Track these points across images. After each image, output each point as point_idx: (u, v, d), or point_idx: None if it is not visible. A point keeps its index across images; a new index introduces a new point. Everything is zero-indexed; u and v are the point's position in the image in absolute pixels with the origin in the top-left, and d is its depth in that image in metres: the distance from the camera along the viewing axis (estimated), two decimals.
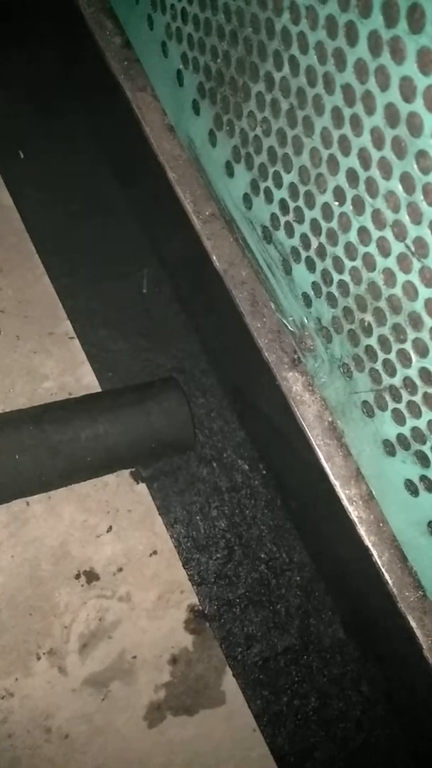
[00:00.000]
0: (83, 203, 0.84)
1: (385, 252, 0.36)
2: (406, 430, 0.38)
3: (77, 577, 0.74)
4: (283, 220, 0.42)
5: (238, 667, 0.74)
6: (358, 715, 0.73)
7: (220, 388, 0.81)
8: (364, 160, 0.35)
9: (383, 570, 0.42)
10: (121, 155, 0.64)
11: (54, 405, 0.77)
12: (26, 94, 0.86)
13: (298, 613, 0.75)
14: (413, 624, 0.41)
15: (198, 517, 0.78)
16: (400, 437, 0.39)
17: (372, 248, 0.36)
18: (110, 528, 0.77)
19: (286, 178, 0.40)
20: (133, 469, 0.79)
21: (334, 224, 0.38)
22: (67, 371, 0.82)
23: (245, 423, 0.78)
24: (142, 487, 0.79)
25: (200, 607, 0.75)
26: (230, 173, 0.44)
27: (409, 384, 0.37)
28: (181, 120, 0.46)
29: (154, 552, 0.76)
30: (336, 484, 0.44)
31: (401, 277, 0.36)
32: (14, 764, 0.68)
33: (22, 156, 0.87)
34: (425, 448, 0.37)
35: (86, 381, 0.82)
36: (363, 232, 0.37)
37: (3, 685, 0.69)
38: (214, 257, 0.46)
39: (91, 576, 0.75)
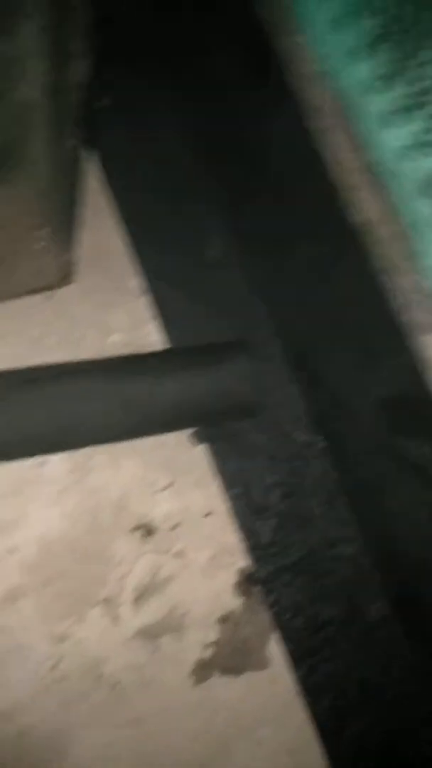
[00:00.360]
0: (166, 163, 0.85)
1: None
2: None
3: (135, 530, 0.75)
4: None
5: (283, 634, 0.75)
6: (397, 691, 0.75)
7: (284, 357, 0.82)
8: None
9: None
10: (249, 116, 0.65)
11: (128, 358, 0.77)
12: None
13: (345, 586, 0.77)
14: None
15: (253, 484, 0.79)
16: None
17: None
18: (168, 485, 0.77)
19: None
20: (193, 430, 0.80)
21: None
22: (135, 327, 0.82)
23: (307, 394, 0.80)
24: (201, 449, 0.79)
25: (250, 572, 0.76)
26: (389, 123, 0.45)
27: None
28: (338, 67, 0.47)
29: (209, 513, 0.77)
30: None
31: None
32: (65, 707, 0.67)
33: (106, 103, 0.86)
34: None
35: (152, 338, 0.82)
36: None
37: (58, 629, 0.69)
38: (359, 212, 0.47)
39: (148, 530, 0.75)
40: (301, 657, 0.75)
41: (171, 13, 0.73)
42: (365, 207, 0.47)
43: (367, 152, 0.46)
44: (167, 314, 0.83)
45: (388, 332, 0.50)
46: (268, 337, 0.83)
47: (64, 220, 0.69)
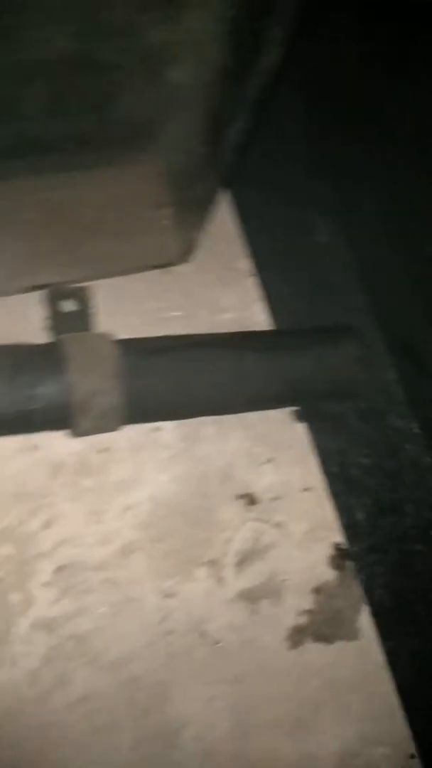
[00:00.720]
0: (279, 154, 0.88)
1: None
2: None
3: (239, 498, 0.78)
4: None
5: (374, 608, 0.79)
6: None
7: (384, 345, 0.85)
8: None
9: None
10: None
11: (245, 334, 0.80)
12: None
13: None
14: None
15: (350, 464, 0.83)
16: None
17: None
18: (270, 459, 0.81)
19: None
20: (297, 408, 0.83)
21: None
22: (244, 306, 0.86)
23: (405, 382, 0.83)
24: (302, 427, 0.83)
25: (345, 547, 0.80)
26: None
27: None
28: None
29: (308, 488, 0.81)
30: None
31: None
32: (171, 660, 0.71)
33: None
34: None
35: (259, 318, 0.86)
36: None
37: (167, 585, 0.73)
38: None
39: (251, 500, 0.78)
40: (389, 631, 0.78)
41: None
42: None
43: None
44: (274, 296, 0.86)
45: None
46: (370, 323, 0.86)
47: (198, 200, 0.73)
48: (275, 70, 0.53)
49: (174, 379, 0.70)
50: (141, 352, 0.70)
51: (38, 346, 0.65)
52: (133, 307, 0.80)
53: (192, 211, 0.75)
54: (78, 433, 0.66)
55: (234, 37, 0.54)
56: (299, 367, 0.76)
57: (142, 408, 0.70)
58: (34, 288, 0.75)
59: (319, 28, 0.79)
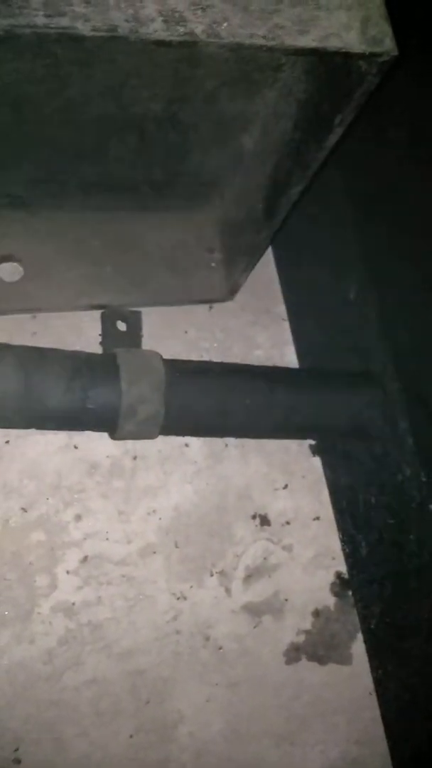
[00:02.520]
0: (325, 215, 0.99)
1: None
2: None
3: (253, 517, 0.85)
4: None
5: (368, 637, 0.84)
6: None
7: (400, 395, 0.93)
8: None
9: None
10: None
11: (280, 369, 0.89)
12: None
13: (429, 609, 0.85)
14: None
15: (359, 501, 0.89)
16: None
17: None
18: (286, 486, 0.87)
19: None
20: (314, 442, 0.91)
21: None
22: (275, 346, 0.95)
23: (416, 432, 0.90)
24: (317, 460, 0.90)
25: (346, 577, 0.85)
26: None
27: None
28: None
29: (317, 518, 0.87)
30: None
31: None
32: (176, 658, 0.77)
33: None
34: None
35: (288, 358, 0.95)
36: None
37: (180, 588, 0.79)
38: None
39: (264, 521, 0.85)
40: (380, 661, 0.83)
41: None
42: None
43: None
44: (303, 340, 0.95)
45: None
46: (390, 375, 0.94)
47: (248, 248, 0.82)
48: (334, 149, 0.63)
49: (210, 399, 0.78)
50: (184, 371, 0.78)
51: (96, 355, 0.74)
52: (177, 334, 0.89)
53: (240, 258, 0.85)
54: (120, 435, 0.74)
55: (303, 117, 0.65)
56: (321, 405, 0.84)
57: (179, 421, 0.78)
58: (93, 307, 0.85)
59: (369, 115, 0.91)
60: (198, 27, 0.49)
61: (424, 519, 0.90)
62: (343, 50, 0.51)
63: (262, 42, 0.50)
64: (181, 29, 0.48)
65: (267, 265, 0.98)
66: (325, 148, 0.62)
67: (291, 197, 0.70)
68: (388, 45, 0.53)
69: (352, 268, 1.00)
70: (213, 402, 0.78)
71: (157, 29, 0.47)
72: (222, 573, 0.81)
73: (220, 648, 0.78)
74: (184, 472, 0.84)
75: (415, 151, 0.88)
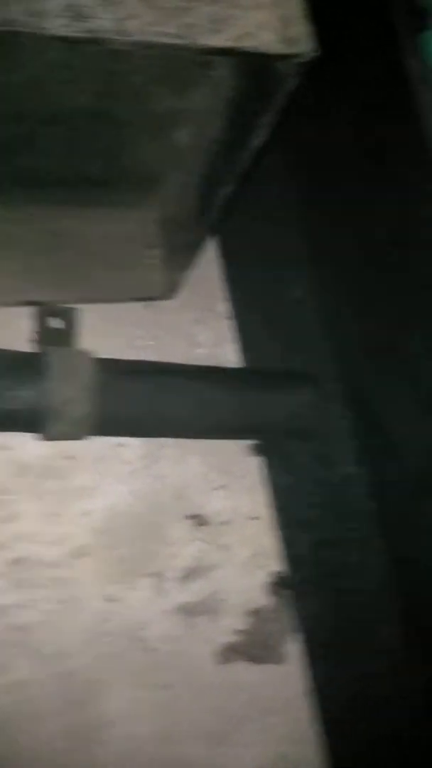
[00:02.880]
0: (272, 211, 0.98)
1: None
2: None
3: (189, 518, 0.84)
4: None
5: (303, 636, 0.84)
6: (397, 710, 0.83)
7: (342, 395, 0.93)
8: None
9: None
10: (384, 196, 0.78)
11: (217, 369, 0.88)
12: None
13: (365, 607, 0.86)
14: None
15: (298, 500, 0.89)
16: None
17: None
18: (223, 486, 0.87)
19: None
20: (253, 443, 0.90)
21: None
22: (218, 345, 0.94)
23: (358, 432, 0.90)
24: (257, 460, 0.90)
25: (283, 576, 0.85)
26: None
27: None
28: None
29: (255, 517, 0.87)
30: None
31: None
32: (106, 660, 0.76)
33: None
34: None
35: (230, 357, 0.94)
36: None
37: (112, 590, 0.78)
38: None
39: (201, 521, 0.84)
40: (315, 661, 0.83)
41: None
42: None
43: None
44: (246, 339, 0.95)
45: None
46: (330, 377, 0.94)
47: (186, 245, 0.81)
48: (263, 150, 0.62)
49: (143, 399, 0.77)
50: (116, 371, 0.77)
51: (24, 353, 0.73)
52: (114, 332, 0.87)
53: (179, 255, 0.84)
54: (49, 436, 0.73)
55: (230, 116, 0.64)
56: (259, 405, 0.84)
57: (111, 422, 0.77)
58: (27, 303, 0.83)
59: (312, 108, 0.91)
60: (105, 23, 0.47)
61: (363, 519, 0.91)
62: (258, 51, 0.50)
63: (172, 41, 0.49)
64: (86, 25, 0.47)
65: (211, 263, 0.97)
66: (251, 149, 0.61)
67: (222, 198, 0.69)
68: (306, 45, 0.52)
69: (298, 266, 1.00)
70: (146, 402, 0.78)
71: (59, 25, 0.46)
72: (156, 574, 0.80)
73: (153, 649, 0.78)
74: (119, 473, 0.83)
75: (359, 149, 0.87)
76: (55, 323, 0.81)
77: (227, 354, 0.93)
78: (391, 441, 0.84)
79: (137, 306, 0.90)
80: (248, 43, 0.50)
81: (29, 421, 0.71)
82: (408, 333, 0.76)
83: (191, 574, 0.82)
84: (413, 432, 0.79)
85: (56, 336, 0.81)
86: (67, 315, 0.82)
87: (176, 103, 0.71)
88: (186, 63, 0.63)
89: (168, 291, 0.90)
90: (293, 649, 0.83)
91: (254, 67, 0.55)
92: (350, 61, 0.74)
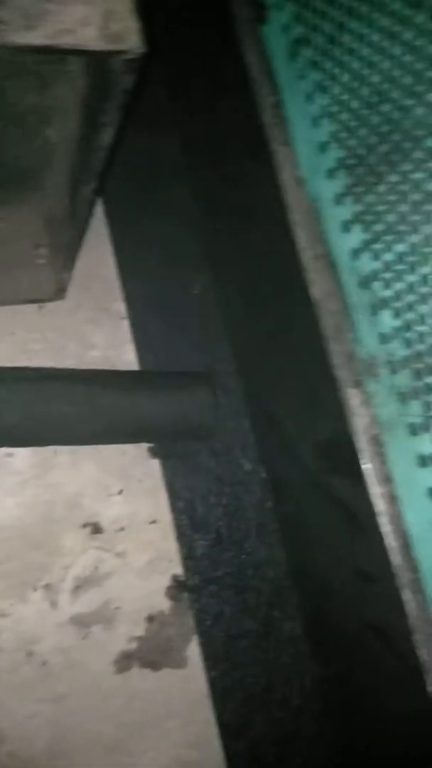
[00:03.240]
0: (169, 210, 0.95)
1: None
2: None
3: (84, 526, 0.82)
4: (382, 275, 0.54)
5: (203, 638, 0.83)
6: (297, 704, 0.83)
7: (240, 392, 0.92)
8: None
9: (390, 553, 0.53)
10: (241, 188, 0.76)
11: (104, 372, 0.86)
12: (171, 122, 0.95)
13: (265, 603, 0.86)
14: (404, 598, 0.52)
15: (198, 501, 0.88)
16: None
17: None
18: (121, 491, 0.85)
19: (396, 247, 0.53)
20: (152, 445, 0.89)
21: (428, 289, 0.50)
22: (113, 346, 0.92)
23: (256, 428, 0.90)
24: (156, 462, 0.88)
25: (182, 579, 0.85)
26: (347, 230, 0.56)
27: None
28: (313, 178, 0.58)
29: (154, 521, 0.86)
30: (368, 482, 0.55)
31: None
32: (2, 677, 0.74)
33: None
34: None
35: (127, 358, 0.92)
36: None
37: (1, 605, 0.76)
38: (313, 288, 0.57)
39: (96, 529, 0.83)
40: (215, 662, 0.83)
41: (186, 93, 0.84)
42: (317, 286, 0.57)
43: (324, 246, 0.57)
44: (144, 339, 0.92)
45: (326, 385, 0.60)
46: (230, 374, 0.93)
47: (66, 244, 0.79)
48: (110, 148, 0.60)
49: (25, 408, 0.75)
50: None
51: None
52: (2, 337, 0.84)
53: (62, 254, 0.81)
54: None
55: (84, 113, 0.61)
56: (151, 408, 0.82)
57: None
58: None
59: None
60: None
61: (262, 515, 0.90)
62: (78, 48, 0.48)
63: None
64: None
65: (106, 261, 0.94)
66: (101, 148, 0.58)
67: (86, 196, 0.66)
68: (132, 42, 0.49)
69: (195, 262, 0.98)
70: (28, 411, 0.75)
71: None
72: (48, 586, 0.78)
73: (45, 663, 0.76)
74: (8, 484, 0.80)
75: (248, 148, 0.85)
76: None
77: (123, 355, 0.91)
78: (285, 436, 0.84)
79: (28, 309, 0.87)
80: (67, 41, 0.47)
81: None
82: (291, 331, 0.75)
83: (85, 583, 0.80)
84: (302, 427, 0.78)
85: None
86: None
87: (40, 100, 0.67)
88: (41, 59, 0.60)
89: (56, 292, 0.87)
90: (193, 652, 0.82)
91: (92, 65, 0.53)
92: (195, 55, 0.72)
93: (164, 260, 0.95)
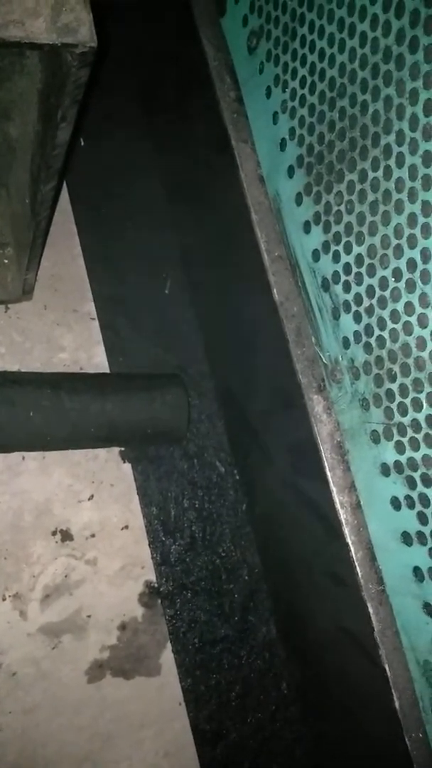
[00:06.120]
0: (138, 209, 0.93)
1: (422, 324, 0.47)
2: (403, 459, 0.49)
3: (53, 534, 0.81)
4: (343, 278, 0.52)
5: (177, 645, 0.82)
6: (273, 710, 0.82)
7: (214, 393, 0.90)
8: (425, 256, 0.46)
9: (356, 564, 0.52)
10: (205, 186, 0.74)
11: (72, 375, 0.84)
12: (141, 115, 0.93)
13: (240, 608, 0.85)
14: (371, 611, 0.51)
15: (171, 504, 0.87)
16: (397, 463, 0.50)
17: (413, 318, 0.47)
18: (92, 497, 0.84)
19: (356, 249, 0.51)
20: (123, 449, 0.87)
21: (387, 293, 0.49)
22: (82, 348, 0.89)
23: (230, 430, 0.88)
24: (127, 467, 0.86)
25: (156, 585, 0.83)
26: (307, 230, 0.54)
27: (415, 425, 0.48)
28: (274, 176, 0.57)
29: (126, 527, 0.84)
30: (333, 490, 0.54)
31: (430, 346, 0.47)
32: None
33: (82, 143, 0.94)
34: (415, 475, 0.48)
35: (97, 360, 0.90)
36: (409, 305, 0.48)
37: None
38: (275, 290, 0.56)
39: (66, 536, 0.81)
40: (190, 668, 0.82)
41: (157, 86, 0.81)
42: (279, 288, 0.56)
43: (286, 247, 0.55)
44: (115, 340, 0.90)
45: (292, 389, 0.59)
46: (203, 375, 0.91)
47: (30, 244, 0.76)
48: (69, 144, 0.58)
49: None
50: None
51: None
52: None
53: (25, 254, 0.78)
54: None
55: (41, 108, 0.58)
56: (121, 411, 0.80)
57: None
58: None
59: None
60: None
61: (236, 518, 0.89)
62: (25, 41, 0.45)
63: None
64: None
65: (75, 260, 0.92)
66: (59, 145, 0.56)
67: (46, 194, 0.64)
68: (83, 35, 0.47)
69: (166, 262, 0.96)
70: None
71: None
72: (16, 596, 0.77)
73: (14, 674, 0.75)
74: None
75: (214, 145, 0.83)
76: None
77: (94, 357, 0.89)
78: (258, 438, 0.82)
79: None
80: (14, 33, 0.45)
81: None
82: (260, 333, 0.73)
83: (55, 592, 0.78)
84: (274, 429, 0.77)
85: None
86: None
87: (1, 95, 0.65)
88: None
89: (22, 293, 0.85)
90: (167, 659, 0.81)
91: (44, 58, 0.50)
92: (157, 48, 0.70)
93: (134, 260, 0.93)
